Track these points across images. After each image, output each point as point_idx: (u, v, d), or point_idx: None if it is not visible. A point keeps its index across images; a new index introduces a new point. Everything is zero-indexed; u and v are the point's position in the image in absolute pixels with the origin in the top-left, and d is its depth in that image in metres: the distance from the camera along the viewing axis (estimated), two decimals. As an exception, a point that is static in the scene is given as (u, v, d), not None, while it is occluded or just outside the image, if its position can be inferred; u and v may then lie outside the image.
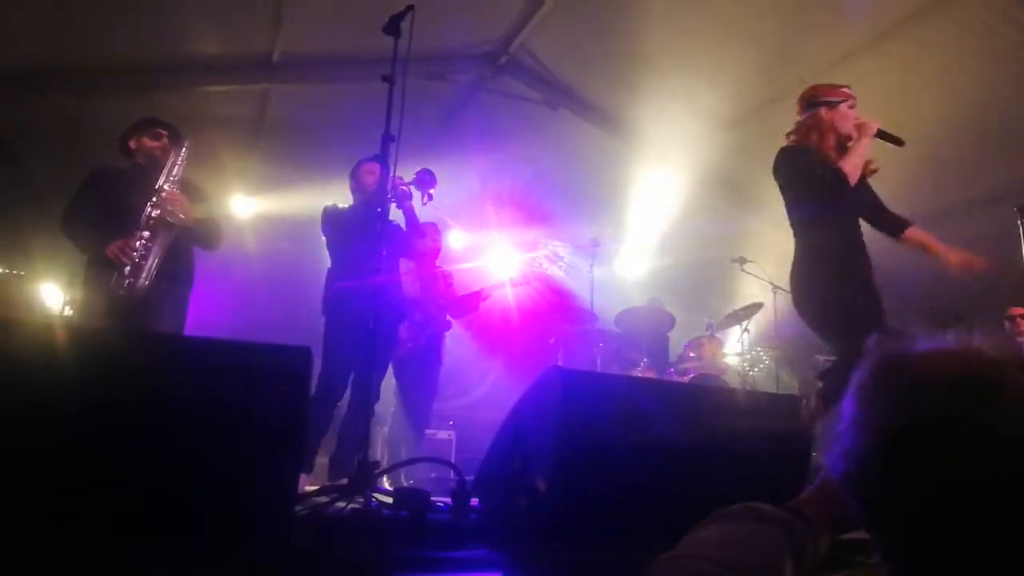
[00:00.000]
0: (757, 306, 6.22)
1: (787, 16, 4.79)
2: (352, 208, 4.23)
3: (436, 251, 5.10)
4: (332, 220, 4.20)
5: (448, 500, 2.35)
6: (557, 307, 6.52)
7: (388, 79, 2.96)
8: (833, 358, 3.49)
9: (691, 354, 6.21)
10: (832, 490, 1.04)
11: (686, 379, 5.92)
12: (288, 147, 6.02)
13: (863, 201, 3.39)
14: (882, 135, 3.27)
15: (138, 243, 3.43)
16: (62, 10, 4.48)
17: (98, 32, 4.72)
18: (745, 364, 6.45)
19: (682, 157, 6.36)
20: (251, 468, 1.92)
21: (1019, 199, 4.92)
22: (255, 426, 1.95)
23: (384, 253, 3.97)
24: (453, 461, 5.58)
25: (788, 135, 3.41)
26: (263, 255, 6.37)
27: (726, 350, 6.29)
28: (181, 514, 1.79)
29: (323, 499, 2.42)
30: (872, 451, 0.83)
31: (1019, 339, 4.86)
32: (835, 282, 3.18)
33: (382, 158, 3.15)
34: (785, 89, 5.12)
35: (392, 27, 2.99)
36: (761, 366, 6.79)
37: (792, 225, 3.38)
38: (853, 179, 3.17)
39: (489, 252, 6.91)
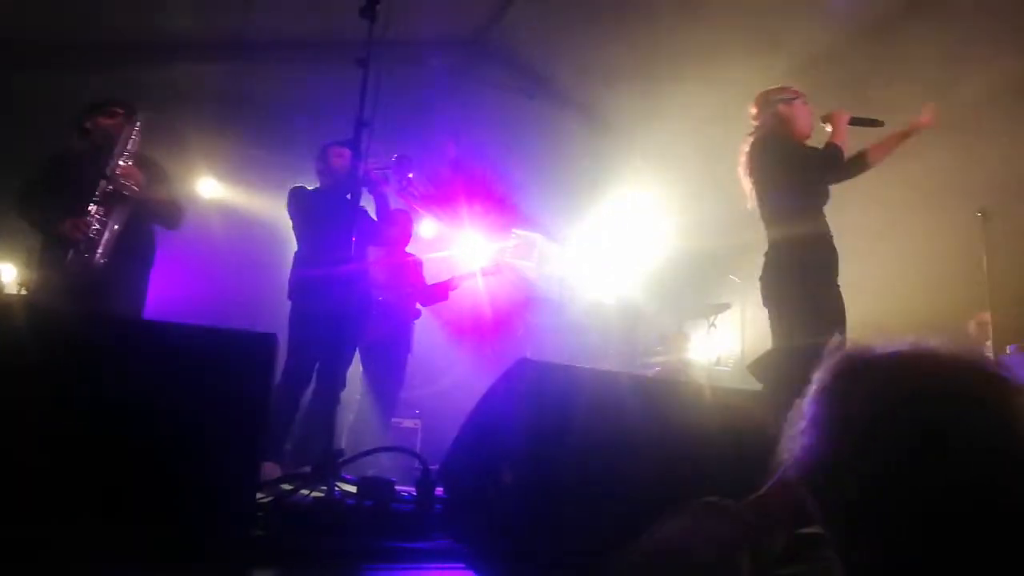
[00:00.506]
0: (725, 305, 6.29)
1: (771, 7, 4.80)
2: (321, 191, 4.15)
3: (406, 239, 5.06)
4: (299, 203, 4.12)
5: (412, 490, 2.34)
6: (527, 297, 6.52)
7: (362, 62, 2.91)
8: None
9: (658, 348, 6.25)
10: (790, 486, 1.05)
11: (653, 372, 5.97)
12: (258, 129, 5.91)
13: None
14: (857, 121, 3.26)
15: (92, 218, 3.36)
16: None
17: (61, 5, 4.58)
18: (710, 359, 6.52)
19: (657, 151, 6.38)
20: (212, 456, 1.89)
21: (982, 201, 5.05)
22: (216, 413, 1.92)
23: (353, 240, 3.97)
24: (418, 450, 5.60)
25: (749, 135, 3.39)
26: (230, 238, 6.26)
27: (692, 345, 6.34)
28: (138, 502, 1.76)
29: (286, 487, 2.39)
30: (830, 450, 0.85)
31: (984, 344, 4.95)
32: (810, 273, 3.14)
33: (354, 143, 3.10)
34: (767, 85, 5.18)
35: (369, 10, 2.94)
36: (727, 360, 6.89)
37: (768, 216, 3.32)
38: (846, 152, 3.19)
39: (460, 241, 6.88)
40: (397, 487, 2.37)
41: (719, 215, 6.39)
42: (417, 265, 5.17)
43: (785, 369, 3.07)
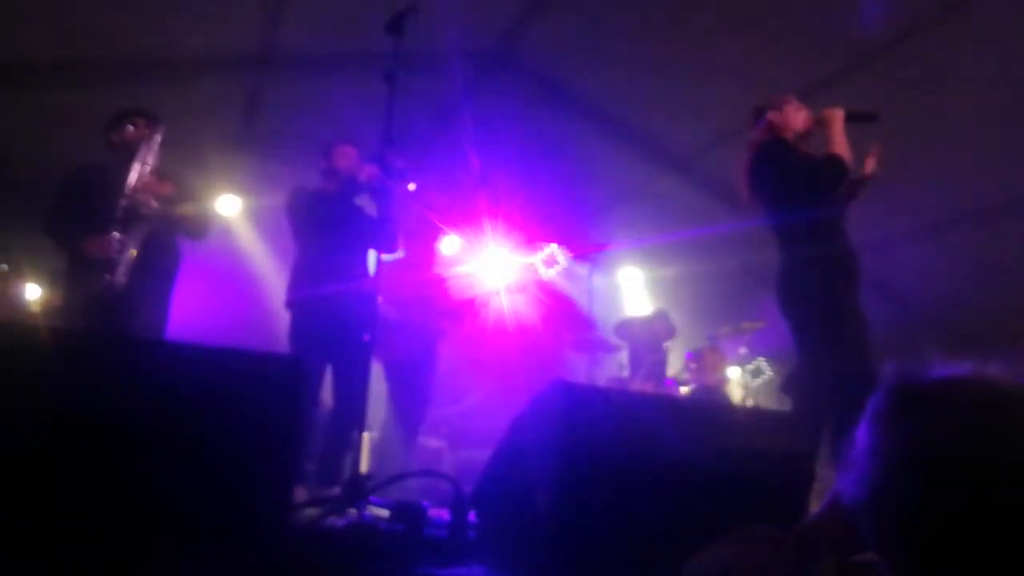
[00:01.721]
0: (760, 321, 6.16)
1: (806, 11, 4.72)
2: (323, 193, 4.00)
3: (432, 256, 5.04)
4: (299, 204, 3.96)
5: (441, 513, 2.29)
6: (554, 314, 6.45)
7: (389, 78, 2.89)
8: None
9: (692, 365, 6.13)
10: (840, 513, 1.04)
11: (686, 390, 5.86)
12: (279, 145, 5.93)
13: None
14: (852, 116, 3.17)
15: (114, 237, 3.36)
16: (46, 4, 4.39)
17: (84, 25, 4.63)
18: (746, 377, 6.40)
19: (686, 164, 6.31)
20: (244, 481, 1.85)
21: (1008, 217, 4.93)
22: (247, 438, 1.88)
23: (356, 245, 3.86)
24: (445, 470, 5.54)
25: (748, 148, 3.35)
26: (251, 254, 6.28)
27: (726, 362, 6.23)
28: (171, 530, 1.72)
29: (315, 511, 2.34)
30: (887, 481, 0.83)
31: None
32: (821, 287, 3.05)
33: (380, 159, 3.09)
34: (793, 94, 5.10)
35: (394, 26, 2.92)
36: (763, 377, 6.76)
37: (778, 227, 3.24)
38: (849, 163, 3.09)
39: (484, 256, 6.84)
40: (429, 511, 2.32)
41: (751, 228, 6.32)
42: (442, 282, 5.14)
43: (814, 390, 3.04)
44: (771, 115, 3.30)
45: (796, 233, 3.14)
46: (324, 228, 3.82)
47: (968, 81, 4.64)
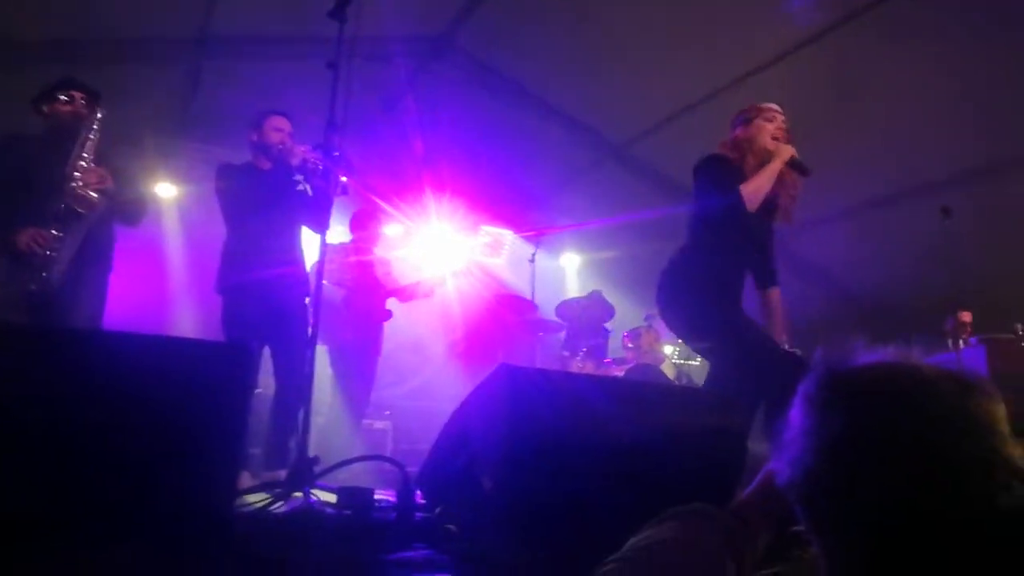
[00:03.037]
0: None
1: (734, 6, 4.85)
2: (252, 168, 3.82)
3: (374, 238, 5.02)
4: (226, 181, 3.76)
5: (388, 495, 2.33)
6: (497, 296, 6.51)
7: (333, 65, 2.86)
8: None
9: (629, 344, 6.31)
10: (772, 491, 1.08)
11: (624, 368, 6.02)
12: (219, 129, 5.79)
13: (756, 234, 3.32)
14: (794, 164, 3.22)
15: (51, 233, 3.19)
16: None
17: (13, 3, 4.43)
18: (680, 354, 6.60)
19: (622, 149, 6.42)
20: (188, 470, 1.86)
21: (940, 196, 5.18)
22: (191, 427, 1.88)
23: (288, 225, 3.74)
24: (390, 452, 5.57)
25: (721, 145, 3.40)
26: (187, 239, 6.13)
27: (662, 341, 6.41)
28: (116, 520, 1.72)
29: (261, 497, 2.35)
30: (818, 463, 0.87)
31: (960, 340, 5.05)
32: (707, 303, 3.10)
33: (325, 145, 3.05)
34: (722, 85, 5.24)
35: (338, 11, 2.89)
36: (696, 355, 6.99)
37: (689, 226, 3.31)
38: (752, 204, 3.08)
39: (429, 239, 6.84)
40: (376, 494, 2.35)
41: (684, 213, 6.48)
42: (386, 265, 5.14)
43: (736, 382, 3.08)
44: (740, 130, 3.31)
45: (699, 237, 3.24)
46: (254, 207, 3.67)
47: (894, 68, 4.84)
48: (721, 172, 3.21)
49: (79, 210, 3.26)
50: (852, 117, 5.11)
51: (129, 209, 3.59)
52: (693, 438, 2.39)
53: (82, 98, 3.44)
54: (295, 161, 3.61)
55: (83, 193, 3.27)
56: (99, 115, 3.40)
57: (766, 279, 3.43)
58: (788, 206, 3.34)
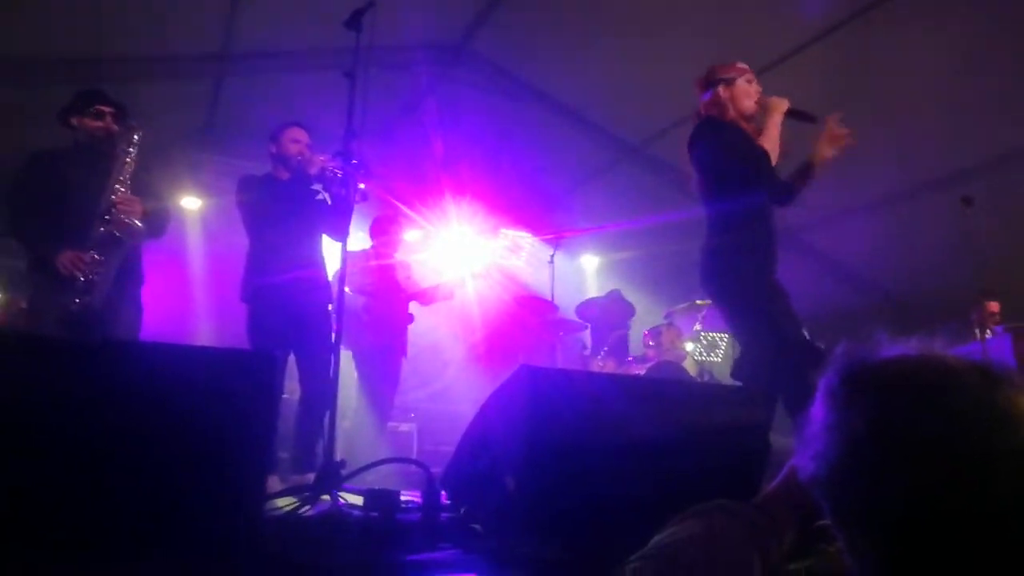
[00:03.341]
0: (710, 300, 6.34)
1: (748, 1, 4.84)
2: (273, 179, 3.89)
3: (395, 243, 5.08)
4: (248, 192, 3.82)
5: (413, 497, 2.37)
6: (516, 298, 6.54)
7: (350, 75, 2.91)
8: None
9: (650, 343, 6.30)
10: (796, 486, 1.09)
11: (646, 367, 6.01)
12: (242, 143, 5.89)
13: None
14: (793, 113, 3.13)
15: (90, 260, 3.23)
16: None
17: (40, 23, 4.54)
18: (702, 351, 6.59)
19: (639, 151, 6.42)
20: (218, 476, 1.90)
21: (962, 186, 5.12)
22: (221, 434, 1.92)
23: (309, 233, 3.80)
24: (415, 454, 5.62)
25: (693, 119, 3.28)
26: (213, 252, 6.23)
27: (683, 339, 6.40)
28: (149, 527, 1.77)
29: (289, 501, 2.40)
30: (842, 458, 0.86)
31: (986, 330, 4.97)
32: (753, 271, 3.02)
33: (343, 153, 3.11)
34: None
35: (354, 22, 2.94)
36: (718, 351, 6.97)
37: (707, 203, 3.18)
38: (774, 158, 3.01)
39: (449, 243, 6.89)
40: (402, 495, 2.39)
41: (701, 211, 6.46)
42: (407, 268, 5.19)
43: (760, 369, 3.04)
44: (720, 90, 3.18)
45: (726, 215, 3.11)
46: (275, 217, 3.72)
47: (911, 59, 4.81)
48: (734, 132, 3.11)
49: (120, 236, 3.30)
50: (871, 110, 5.06)
51: (155, 222, 3.62)
52: (715, 434, 2.40)
53: (111, 114, 3.47)
54: (313, 170, 3.67)
55: (128, 221, 3.30)
56: (136, 136, 3.43)
57: (797, 182, 3.29)
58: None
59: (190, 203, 6.35)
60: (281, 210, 3.75)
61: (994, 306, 5.52)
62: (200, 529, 1.86)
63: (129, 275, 3.50)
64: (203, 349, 2.08)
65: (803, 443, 0.94)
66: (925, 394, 0.83)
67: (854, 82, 5.01)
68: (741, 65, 3.25)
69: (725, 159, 3.07)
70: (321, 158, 3.67)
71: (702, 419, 2.41)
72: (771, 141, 3.04)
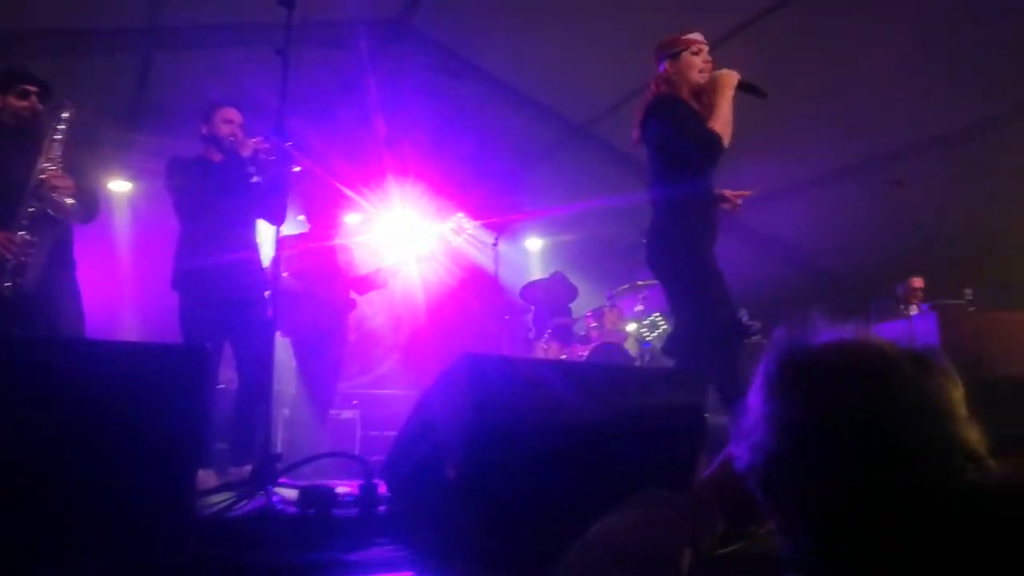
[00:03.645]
0: (654, 280, 6.41)
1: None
2: (203, 161, 3.74)
3: (336, 226, 4.96)
4: (178, 174, 3.67)
5: (353, 487, 2.32)
6: (461, 281, 6.50)
7: (281, 53, 2.79)
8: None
9: (592, 324, 6.36)
10: (730, 476, 1.10)
11: (588, 348, 6.06)
12: (173, 122, 5.65)
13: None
14: (744, 86, 3.11)
15: (20, 240, 3.09)
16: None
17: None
18: (643, 331, 6.68)
19: (583, 131, 6.41)
20: (143, 478, 1.83)
21: (888, 168, 5.28)
22: (148, 433, 1.85)
23: (242, 217, 3.70)
24: (358, 440, 5.56)
25: (645, 92, 3.26)
26: (143, 237, 6.00)
27: (625, 320, 6.47)
28: (73, 530, 1.69)
29: (223, 497, 2.33)
30: (781, 443, 0.88)
31: (912, 306, 5.17)
32: (694, 254, 3.05)
33: (276, 135, 3.00)
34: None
35: (286, -1, 2.82)
36: (659, 331, 7.08)
37: (656, 183, 3.18)
38: (727, 140, 3.00)
39: (391, 225, 6.79)
40: (339, 488, 2.34)
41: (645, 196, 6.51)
42: (348, 252, 5.08)
43: (693, 345, 3.09)
44: (667, 64, 3.17)
45: (672, 196, 3.11)
46: (208, 200, 3.60)
47: (851, 41, 4.89)
48: (686, 112, 3.09)
49: (53, 215, 3.18)
50: (807, 90, 5.16)
51: (86, 202, 3.46)
52: (654, 417, 2.41)
53: (36, 92, 3.32)
54: (246, 153, 3.56)
55: (59, 199, 3.18)
56: (67, 114, 3.31)
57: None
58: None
59: (119, 186, 6.08)
60: (214, 193, 3.61)
61: (918, 282, 5.74)
62: (126, 531, 1.80)
63: (62, 259, 3.36)
64: (126, 344, 1.99)
65: (740, 432, 0.96)
66: (863, 383, 0.84)
67: (791, 63, 5.09)
68: (688, 36, 3.21)
69: (675, 141, 3.04)
70: (253, 141, 3.55)
71: (641, 403, 2.42)
72: (723, 119, 3.01)
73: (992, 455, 0.83)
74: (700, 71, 3.15)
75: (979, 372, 3.86)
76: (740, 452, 0.95)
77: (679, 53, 3.17)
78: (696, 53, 3.18)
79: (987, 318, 4.34)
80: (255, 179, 3.66)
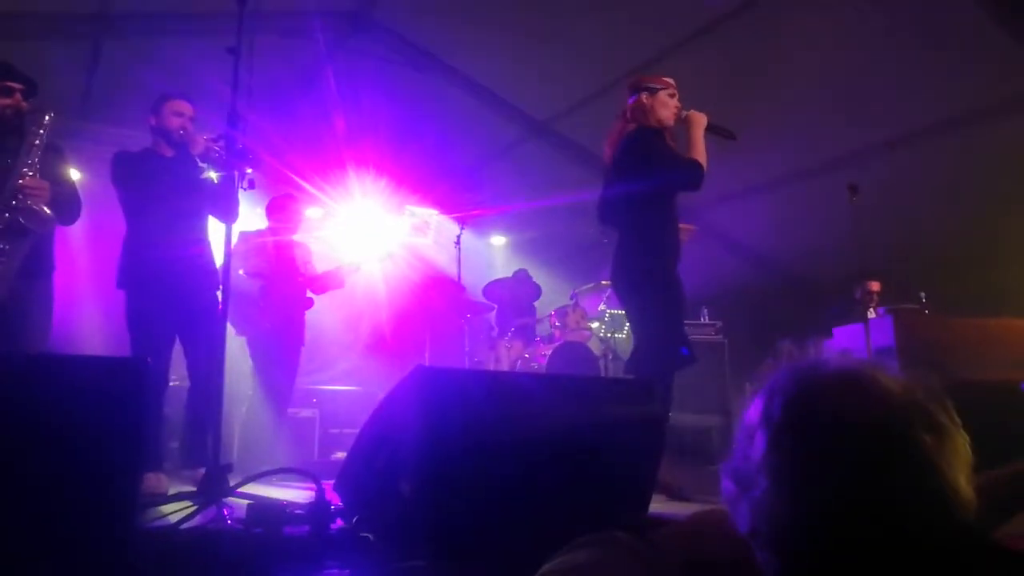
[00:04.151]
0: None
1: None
2: (151, 154, 3.61)
3: (294, 223, 4.84)
4: (124, 169, 3.54)
5: (306, 500, 2.26)
6: (423, 278, 6.42)
7: (233, 51, 2.69)
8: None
9: (556, 323, 6.34)
10: (696, 531, 1.11)
11: (552, 346, 6.04)
12: (126, 112, 5.46)
13: None
14: (712, 128, 3.38)
15: None
16: None
17: None
18: (606, 330, 6.69)
19: (546, 128, 6.37)
20: (84, 496, 1.76)
21: (848, 171, 5.33)
22: (87, 449, 1.78)
23: (191, 213, 3.57)
24: (317, 439, 5.47)
25: (619, 118, 3.51)
26: (94, 231, 5.80)
27: (589, 320, 6.46)
28: (9, 549, 1.62)
29: (172, 509, 2.25)
30: (797, 519, 0.83)
31: (868, 309, 5.26)
32: (659, 267, 3.30)
33: (228, 130, 2.89)
34: (638, 64, 5.24)
35: (238, -8, 2.72)
36: (623, 330, 7.10)
37: (627, 205, 3.38)
38: (705, 170, 3.29)
39: (352, 220, 6.67)
40: (292, 496, 2.28)
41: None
42: (306, 250, 4.97)
43: (657, 366, 3.25)
44: (643, 97, 3.40)
45: (645, 217, 3.35)
46: (157, 196, 3.47)
47: (802, 49, 4.93)
48: (666, 144, 3.36)
49: (28, 225, 3.03)
50: (767, 96, 5.20)
51: (64, 207, 3.33)
52: (612, 432, 2.39)
53: (20, 90, 3.18)
54: (197, 150, 3.44)
55: (35, 208, 3.03)
56: (47, 118, 3.17)
57: None
58: None
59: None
60: (163, 189, 3.48)
61: (875, 286, 5.83)
62: (62, 553, 1.72)
63: (38, 266, 3.23)
64: (62, 357, 1.90)
65: (740, 492, 0.90)
66: (864, 443, 0.81)
67: (750, 68, 5.12)
68: (667, 79, 3.48)
69: (659, 167, 3.29)
70: (205, 137, 3.44)
71: (600, 417, 2.39)
72: (702, 153, 3.30)
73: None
74: (672, 114, 3.41)
75: (935, 376, 3.92)
76: (741, 517, 0.90)
77: (656, 91, 3.43)
78: (671, 96, 3.44)
79: (941, 322, 4.41)
80: (206, 175, 3.54)
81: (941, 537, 0.78)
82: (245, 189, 3.04)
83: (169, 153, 3.59)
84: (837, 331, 4.76)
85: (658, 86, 3.43)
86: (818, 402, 0.86)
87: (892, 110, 5.25)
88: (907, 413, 0.83)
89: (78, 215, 3.49)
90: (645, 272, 3.30)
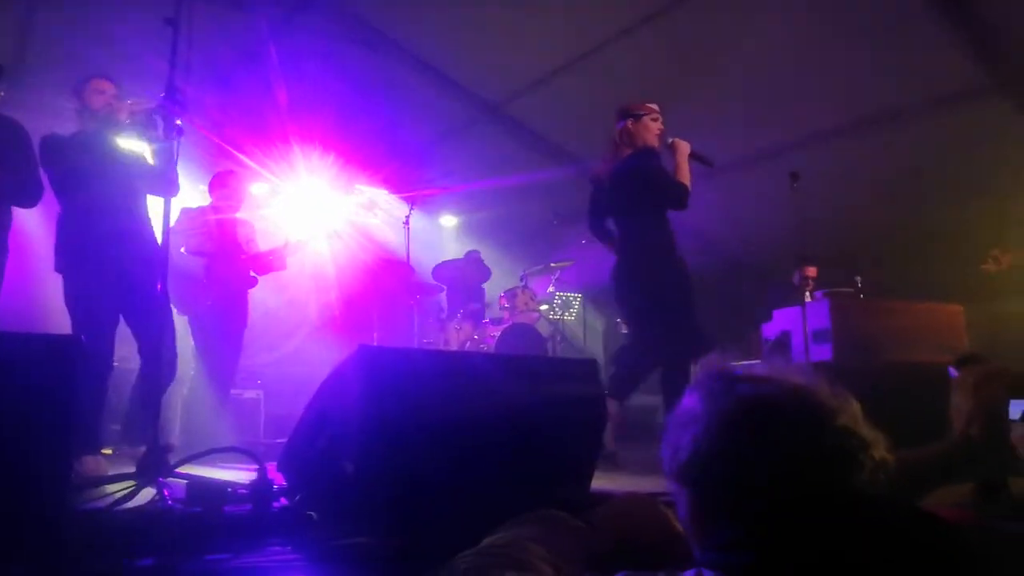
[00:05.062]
0: (568, 260, 6.49)
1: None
2: (79, 136, 3.52)
3: (236, 200, 4.74)
4: (52, 152, 3.43)
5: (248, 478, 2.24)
6: (372, 258, 6.36)
7: (172, 21, 2.61)
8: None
9: (505, 304, 6.36)
10: (627, 512, 1.22)
11: (500, 328, 6.07)
12: (59, 82, 5.25)
13: None
14: (694, 156, 3.73)
15: None
16: None
17: None
18: (556, 311, 6.74)
19: (497, 108, 6.35)
20: (12, 477, 1.71)
21: (790, 160, 5.46)
22: (15, 429, 1.73)
23: (127, 191, 3.51)
24: (262, 420, 5.40)
25: (611, 141, 3.84)
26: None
27: (538, 301, 6.50)
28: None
29: (110, 491, 2.21)
30: (709, 446, 0.94)
31: (806, 293, 5.42)
32: (660, 276, 3.68)
33: (167, 108, 2.81)
34: (588, 49, 5.27)
35: (175, -40, 2.64)
36: (571, 311, 7.20)
37: (628, 218, 3.79)
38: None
39: (298, 198, 6.56)
40: (234, 476, 2.26)
41: (561, 174, 6.54)
42: (249, 228, 4.87)
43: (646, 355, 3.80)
44: (629, 124, 3.75)
45: (648, 223, 3.75)
46: (87, 175, 3.39)
47: (745, 36, 5.02)
48: (663, 168, 3.70)
49: None
50: (711, 84, 5.28)
51: (20, 193, 3.28)
52: (553, 409, 2.42)
53: None
54: (123, 118, 3.34)
55: None
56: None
57: None
58: None
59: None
60: (93, 167, 3.40)
61: (812, 271, 5.99)
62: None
63: None
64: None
65: (673, 432, 0.99)
66: (800, 429, 0.91)
67: (694, 56, 5.19)
68: (650, 105, 3.80)
69: (660, 184, 3.67)
70: (128, 102, 3.34)
71: (541, 396, 2.43)
72: (685, 177, 3.69)
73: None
74: (656, 136, 3.76)
75: (868, 357, 4.07)
76: (668, 452, 1.00)
77: (641, 116, 3.75)
78: (654, 120, 3.77)
79: (875, 305, 4.56)
80: (139, 152, 3.45)
81: (872, 495, 0.87)
82: (176, 138, 2.89)
83: (91, 135, 3.48)
84: (776, 313, 4.89)
85: (642, 112, 3.74)
86: (765, 400, 0.95)
87: (832, 100, 5.39)
88: (830, 406, 0.94)
89: (36, 199, 3.41)
90: (655, 270, 3.70)
